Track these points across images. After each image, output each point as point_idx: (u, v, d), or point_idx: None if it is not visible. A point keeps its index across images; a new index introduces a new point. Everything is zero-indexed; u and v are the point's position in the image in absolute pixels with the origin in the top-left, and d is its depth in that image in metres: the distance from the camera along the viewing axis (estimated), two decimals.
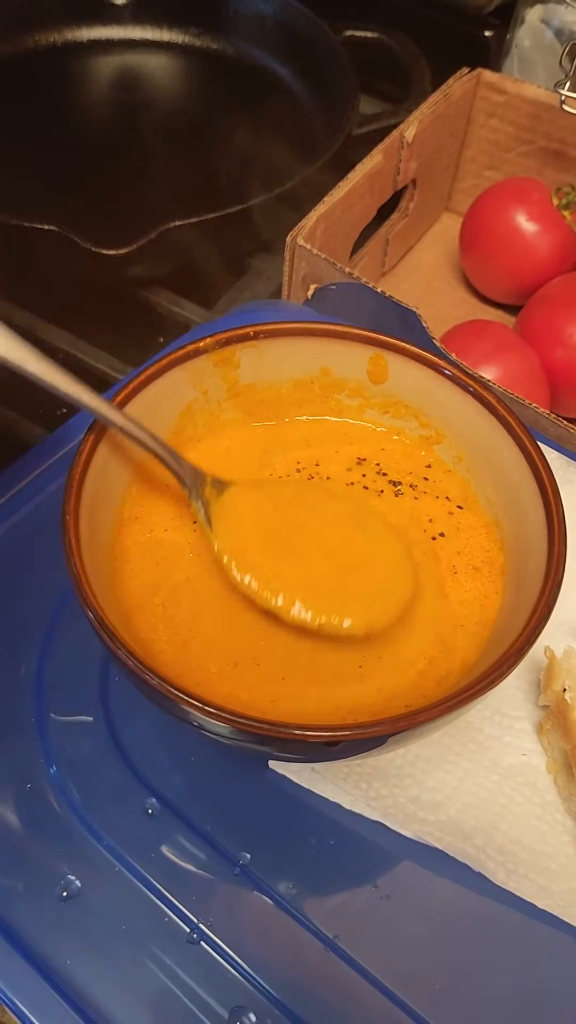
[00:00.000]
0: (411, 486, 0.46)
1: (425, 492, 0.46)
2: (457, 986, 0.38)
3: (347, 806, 0.42)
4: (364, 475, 0.46)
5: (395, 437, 0.48)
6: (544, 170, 0.77)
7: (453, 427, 0.46)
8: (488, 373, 0.61)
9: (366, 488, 0.46)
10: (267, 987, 0.37)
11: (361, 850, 0.41)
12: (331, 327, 0.46)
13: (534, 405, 0.55)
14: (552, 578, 0.38)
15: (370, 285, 0.58)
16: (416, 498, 0.46)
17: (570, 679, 0.43)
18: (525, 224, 0.72)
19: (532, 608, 0.38)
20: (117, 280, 0.66)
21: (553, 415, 0.55)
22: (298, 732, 0.33)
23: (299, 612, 0.39)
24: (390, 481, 0.46)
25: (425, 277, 0.80)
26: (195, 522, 0.43)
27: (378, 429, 0.48)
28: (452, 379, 0.45)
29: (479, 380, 0.44)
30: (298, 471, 0.46)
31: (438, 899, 0.40)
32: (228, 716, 0.33)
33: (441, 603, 0.42)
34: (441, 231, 0.84)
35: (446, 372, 0.45)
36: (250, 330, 0.45)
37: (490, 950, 0.39)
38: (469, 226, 0.75)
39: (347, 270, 0.59)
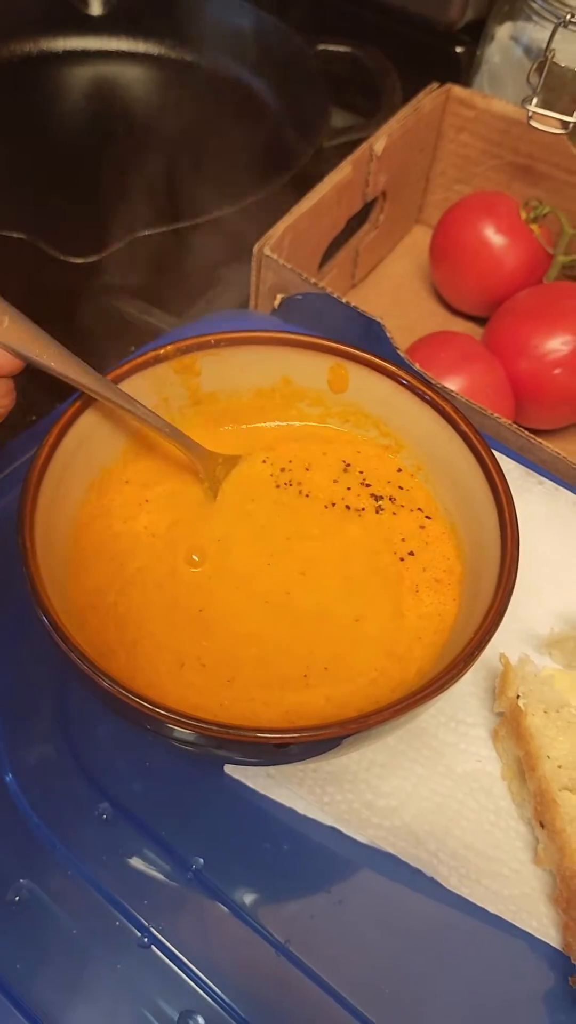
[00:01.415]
0: (391, 499, 0.47)
1: (402, 506, 0.46)
2: (408, 991, 0.39)
3: (301, 811, 0.42)
4: (349, 488, 0.47)
5: (358, 451, 0.48)
6: (513, 184, 0.78)
7: (412, 436, 0.46)
8: (453, 384, 0.62)
9: (348, 508, 0.46)
10: (217, 991, 0.37)
11: (315, 855, 0.41)
12: (292, 336, 0.46)
13: (496, 415, 0.56)
14: (504, 584, 0.38)
15: (335, 296, 0.58)
16: (395, 513, 0.46)
17: (524, 686, 0.43)
18: (493, 237, 0.73)
19: (484, 614, 0.38)
20: (86, 288, 0.66)
21: (515, 425, 0.55)
22: (248, 734, 0.33)
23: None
24: (372, 495, 0.47)
25: (395, 289, 0.81)
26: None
27: (342, 430, 0.49)
28: (410, 388, 0.45)
29: (437, 390, 0.45)
30: (283, 470, 0.47)
31: (391, 904, 0.41)
32: (180, 719, 0.33)
33: (396, 623, 0.42)
34: (412, 243, 0.85)
35: (404, 382, 0.45)
36: (211, 338, 0.45)
37: (441, 955, 0.40)
38: (438, 238, 0.76)
39: (312, 280, 0.59)
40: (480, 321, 0.78)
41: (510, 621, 0.47)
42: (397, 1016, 0.38)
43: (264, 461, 0.47)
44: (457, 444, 0.44)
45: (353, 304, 0.58)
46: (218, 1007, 0.37)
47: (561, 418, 0.69)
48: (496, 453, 0.50)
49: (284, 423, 0.49)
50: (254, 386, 0.47)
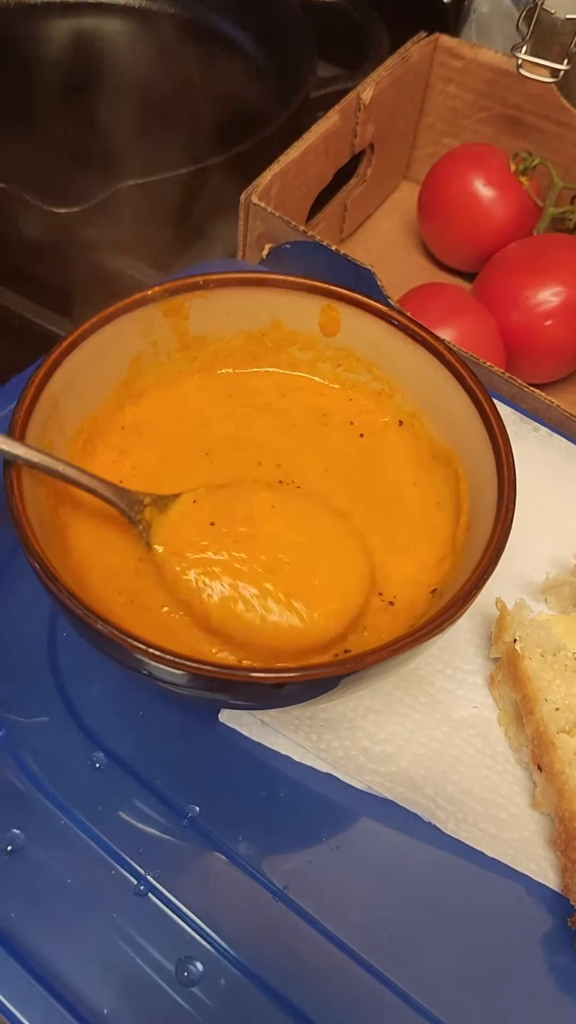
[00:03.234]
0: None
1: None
2: (407, 935, 0.38)
3: (298, 759, 0.42)
4: (352, 422, 0.46)
5: (350, 398, 0.47)
6: (502, 137, 0.77)
7: (405, 379, 0.46)
8: (444, 335, 0.60)
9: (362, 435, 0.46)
10: (215, 938, 0.37)
11: (311, 802, 0.41)
12: (282, 278, 0.45)
13: (488, 364, 0.55)
14: (501, 522, 0.38)
15: (324, 243, 0.57)
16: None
17: (520, 630, 0.43)
18: (482, 190, 0.72)
19: (480, 554, 0.37)
20: (70, 242, 0.65)
21: (507, 374, 0.55)
22: (244, 675, 0.33)
23: (251, 618, 0.38)
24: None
25: (383, 244, 0.80)
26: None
27: (332, 385, 0.48)
28: (403, 329, 0.44)
29: (430, 331, 0.44)
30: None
31: (388, 849, 0.40)
32: (178, 660, 0.32)
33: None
34: (400, 199, 0.83)
35: (397, 323, 0.44)
36: (199, 279, 0.44)
37: (440, 899, 0.39)
38: (427, 192, 0.75)
39: (301, 228, 0.58)
40: (469, 277, 0.77)
41: (505, 568, 0.46)
42: (396, 960, 0.37)
43: (195, 502, 0.41)
44: (451, 385, 0.43)
45: (343, 253, 0.57)
46: (216, 953, 0.36)
47: (552, 371, 0.68)
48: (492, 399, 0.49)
49: (274, 369, 0.47)
50: (244, 330, 0.46)
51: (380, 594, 0.41)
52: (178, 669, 0.33)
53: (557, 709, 0.41)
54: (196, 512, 0.40)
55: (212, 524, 0.39)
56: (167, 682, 0.34)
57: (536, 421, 0.53)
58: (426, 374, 0.44)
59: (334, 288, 0.45)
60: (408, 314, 0.45)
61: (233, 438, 0.45)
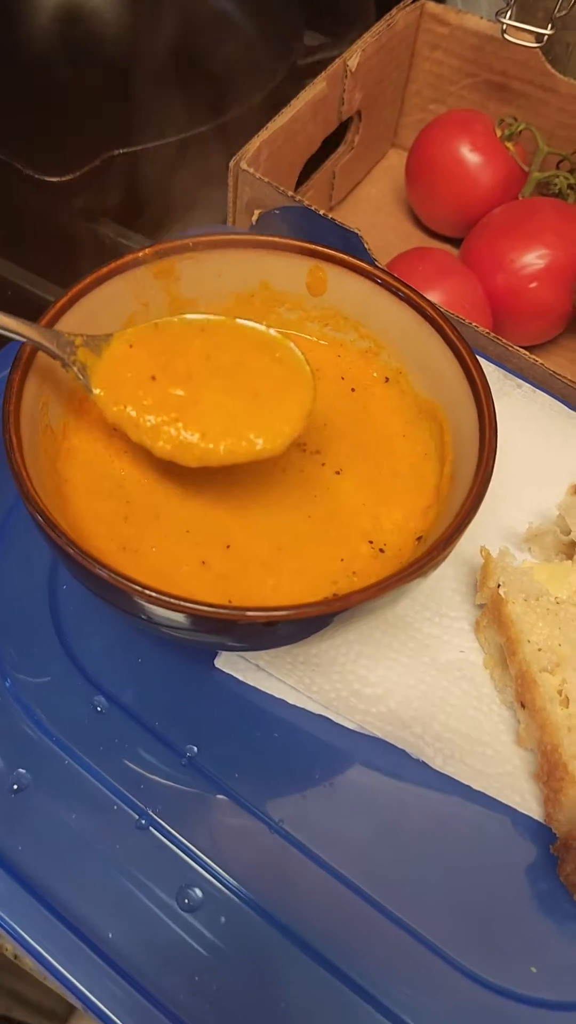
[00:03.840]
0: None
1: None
2: (398, 864, 0.40)
3: (292, 701, 0.43)
4: (343, 377, 0.48)
5: (339, 355, 0.49)
6: (488, 103, 0.78)
7: (391, 337, 0.47)
8: (431, 297, 0.61)
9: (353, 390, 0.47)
10: (213, 866, 0.39)
11: (305, 742, 0.43)
12: (270, 239, 0.46)
13: (473, 324, 0.56)
14: (482, 470, 0.39)
15: (313, 208, 0.58)
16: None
17: (504, 576, 0.44)
18: (469, 155, 0.73)
19: (462, 502, 0.39)
20: (62, 210, 0.66)
21: (492, 334, 0.56)
22: (237, 613, 0.34)
23: (203, 445, 0.40)
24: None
25: (372, 211, 0.81)
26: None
27: (321, 343, 0.49)
28: (388, 288, 0.46)
29: (414, 290, 0.45)
30: None
31: (379, 785, 0.42)
32: (174, 601, 0.34)
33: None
34: (388, 167, 0.84)
35: (382, 282, 0.46)
36: (189, 241, 0.45)
37: (429, 831, 0.41)
38: (414, 158, 0.76)
39: (290, 193, 0.59)
40: (457, 243, 0.78)
41: (490, 519, 0.49)
42: (387, 887, 0.39)
43: (131, 347, 0.42)
44: (435, 341, 0.45)
45: (331, 217, 0.58)
46: (215, 880, 0.38)
47: (539, 333, 0.69)
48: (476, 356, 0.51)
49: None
50: (233, 291, 0.47)
51: (371, 542, 0.42)
52: (174, 610, 0.34)
53: (539, 650, 0.42)
54: (135, 360, 0.42)
55: (153, 378, 0.41)
56: (163, 623, 0.36)
57: (520, 379, 0.54)
58: (411, 331, 0.46)
59: (321, 248, 0.46)
60: (393, 274, 0.46)
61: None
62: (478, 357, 0.45)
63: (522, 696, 0.42)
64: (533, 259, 0.66)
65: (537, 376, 0.56)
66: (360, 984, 0.37)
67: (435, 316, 0.45)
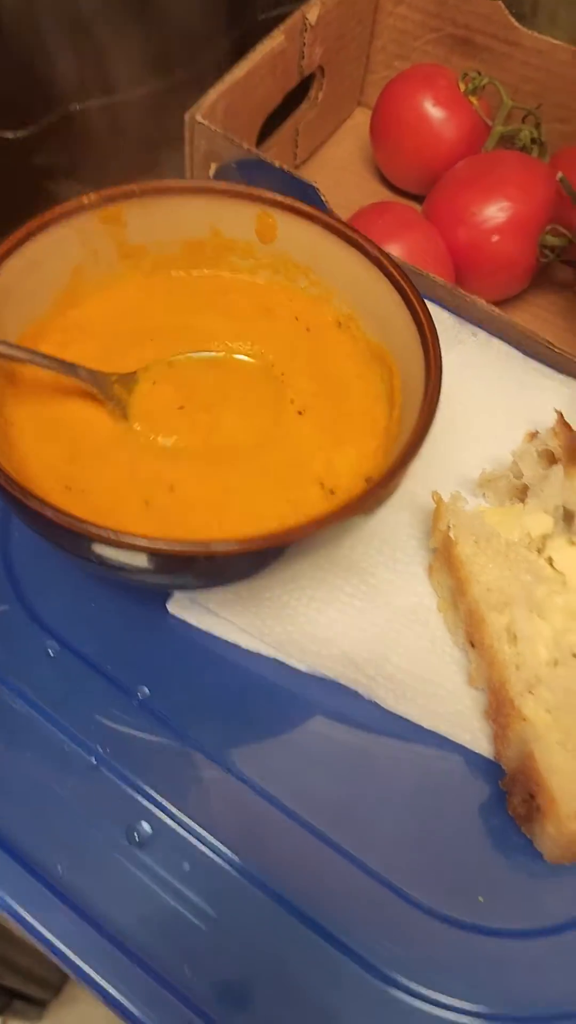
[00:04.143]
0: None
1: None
2: (351, 802, 0.40)
3: (245, 646, 0.44)
4: (297, 318, 0.48)
5: (291, 299, 0.49)
6: (452, 57, 0.77)
7: (340, 283, 0.47)
8: (392, 251, 0.61)
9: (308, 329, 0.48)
10: (163, 802, 0.39)
11: (258, 685, 0.43)
12: (218, 185, 0.46)
13: (430, 274, 0.56)
14: (427, 408, 0.39)
15: (268, 160, 0.58)
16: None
17: (455, 519, 0.45)
18: (432, 110, 0.72)
19: (408, 439, 0.39)
20: (19, 168, 0.65)
21: (449, 284, 0.56)
22: (181, 549, 0.34)
23: None
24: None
25: (338, 170, 0.80)
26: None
27: (272, 288, 0.49)
28: (336, 233, 0.45)
29: (362, 234, 0.45)
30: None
31: (330, 727, 0.42)
32: (118, 537, 0.34)
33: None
34: (354, 126, 0.84)
35: (330, 227, 0.45)
36: (135, 187, 0.45)
37: (381, 770, 0.42)
38: (378, 115, 0.75)
39: (245, 145, 0.59)
40: (423, 201, 0.78)
41: (444, 465, 0.49)
42: (339, 823, 0.40)
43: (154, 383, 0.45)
44: (384, 287, 0.44)
45: (288, 169, 0.58)
46: (165, 816, 0.39)
47: (502, 287, 0.69)
48: (430, 304, 0.50)
49: (215, 273, 0.49)
50: (183, 238, 0.47)
51: (322, 484, 0.42)
52: (118, 546, 0.34)
53: (489, 590, 0.43)
54: (161, 394, 0.44)
55: (181, 408, 0.43)
56: (109, 562, 0.36)
57: (477, 327, 0.54)
58: (360, 277, 0.46)
59: (268, 195, 0.46)
60: (342, 220, 0.46)
61: (178, 327, 0.46)
62: (433, 305, 0.45)
63: (471, 635, 0.43)
64: (495, 212, 0.65)
65: (496, 326, 0.56)
66: (309, 915, 0.37)
67: (383, 261, 0.44)
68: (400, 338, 0.44)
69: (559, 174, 0.66)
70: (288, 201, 0.46)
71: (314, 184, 0.57)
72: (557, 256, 0.68)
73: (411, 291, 0.43)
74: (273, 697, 0.43)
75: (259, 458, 0.43)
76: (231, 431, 0.43)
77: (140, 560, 0.35)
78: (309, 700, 0.43)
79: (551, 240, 0.67)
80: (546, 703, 0.40)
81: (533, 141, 0.73)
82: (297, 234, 0.46)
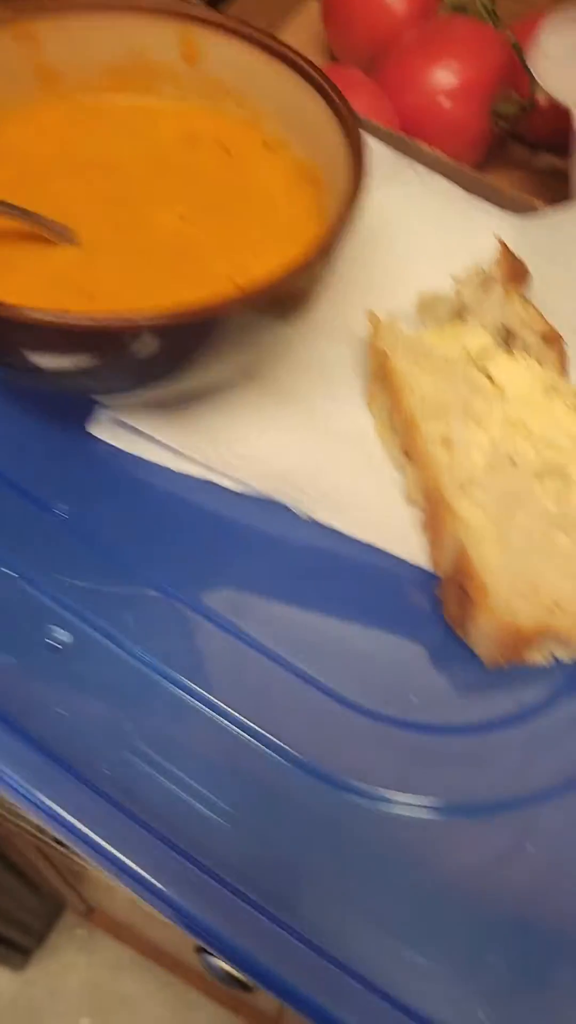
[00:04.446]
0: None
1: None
2: (284, 615, 0.39)
3: (175, 468, 0.42)
4: (221, 142, 0.46)
5: (217, 124, 0.47)
6: None
7: (270, 103, 0.45)
8: None
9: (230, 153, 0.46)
10: (82, 610, 0.38)
11: (187, 508, 0.42)
12: (137, 1, 0.44)
13: (372, 121, 0.54)
14: (350, 198, 0.38)
15: None
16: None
17: (391, 337, 0.43)
18: None
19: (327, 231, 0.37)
20: None
21: (391, 129, 0.54)
22: (97, 323, 0.32)
23: None
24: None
25: None
26: None
27: (199, 113, 0.47)
28: (262, 46, 0.44)
29: (289, 47, 0.44)
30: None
31: (264, 547, 0.41)
32: (42, 316, 0.32)
33: None
34: (307, 13, 0.82)
35: (255, 39, 0.44)
36: (48, 0, 0.43)
37: (317, 587, 0.40)
38: None
39: None
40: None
41: (383, 295, 0.47)
42: (276, 636, 0.38)
43: None
44: (314, 102, 0.43)
45: None
46: (83, 624, 0.37)
47: (452, 155, 0.67)
48: (372, 140, 0.49)
49: (140, 99, 0.47)
50: (104, 61, 0.46)
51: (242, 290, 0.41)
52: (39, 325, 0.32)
53: (424, 400, 0.41)
54: None
55: None
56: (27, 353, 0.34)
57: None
58: (289, 94, 0.44)
59: (192, 10, 0.44)
60: (273, 35, 0.44)
61: (98, 161, 0.44)
62: (374, 141, 0.43)
63: (406, 445, 0.41)
64: (444, 75, 0.63)
65: (441, 169, 0.54)
66: (253, 727, 0.36)
67: (313, 74, 0.43)
68: (331, 156, 0.42)
69: (511, 37, 0.65)
70: (212, 16, 0.44)
71: None
72: (511, 126, 0.67)
73: (341, 102, 0.42)
74: (203, 520, 0.41)
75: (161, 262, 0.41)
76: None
77: (59, 342, 0.33)
78: (241, 521, 0.41)
79: (504, 107, 0.65)
80: (481, 503, 0.38)
81: (487, 12, 0.71)
82: (222, 52, 0.45)
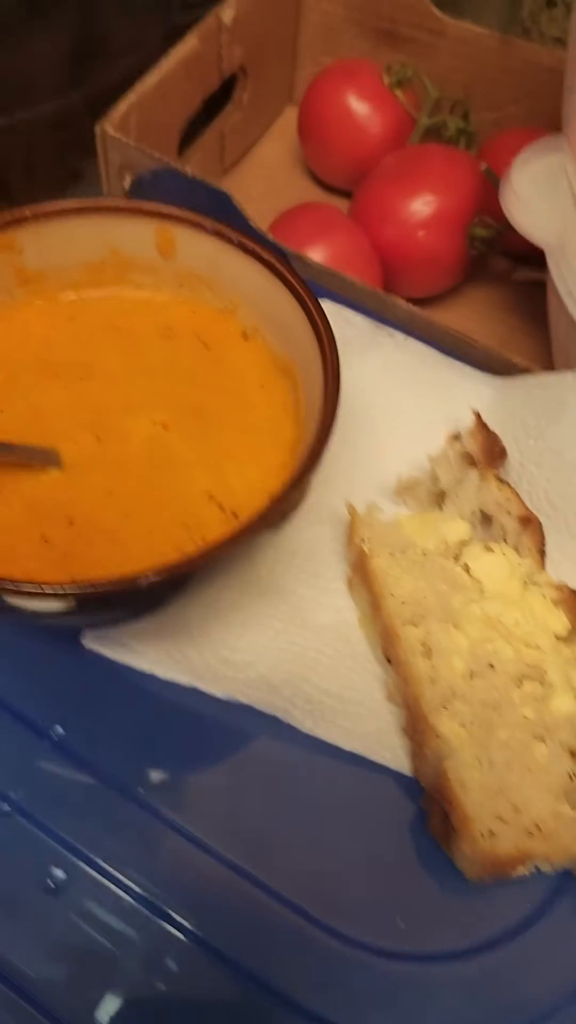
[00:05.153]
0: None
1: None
2: (270, 830, 0.40)
3: (162, 675, 0.43)
4: (198, 335, 0.47)
5: (194, 311, 0.48)
6: (378, 51, 0.76)
7: (244, 295, 0.46)
8: (316, 254, 0.61)
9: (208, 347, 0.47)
10: (81, 849, 0.38)
11: (176, 715, 0.42)
12: (111, 203, 0.45)
13: (347, 276, 0.55)
14: (326, 416, 0.38)
15: (179, 169, 0.57)
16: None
17: (369, 531, 0.44)
18: (356, 105, 0.71)
19: (309, 446, 0.38)
20: None
21: (367, 285, 0.55)
22: (64, 590, 0.33)
23: None
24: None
25: (269, 173, 0.79)
26: None
27: (177, 303, 0.48)
28: (235, 244, 0.44)
29: (262, 244, 0.44)
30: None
31: (250, 753, 0.42)
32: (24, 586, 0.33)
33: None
34: (286, 125, 0.82)
35: (227, 236, 0.44)
36: (26, 211, 0.44)
37: (302, 795, 0.41)
38: (304, 114, 0.74)
39: (157, 155, 0.58)
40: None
41: (363, 473, 0.48)
42: (257, 856, 0.39)
43: None
44: (286, 297, 0.43)
45: (222, 187, 0.56)
46: (79, 861, 0.38)
47: (432, 283, 0.68)
48: (346, 310, 0.50)
49: (118, 293, 0.48)
50: (83, 260, 0.46)
51: (221, 507, 0.41)
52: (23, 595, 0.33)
53: (403, 603, 0.42)
54: None
55: None
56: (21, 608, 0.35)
57: (394, 328, 0.53)
58: (261, 287, 0.45)
59: (165, 209, 0.45)
60: (242, 231, 0.45)
61: (78, 363, 0.45)
62: (349, 311, 0.44)
63: (387, 651, 0.42)
64: (420, 207, 0.64)
65: (417, 326, 0.55)
66: (225, 953, 0.37)
67: (282, 271, 0.43)
68: (303, 350, 0.43)
69: (483, 165, 0.66)
70: (184, 214, 0.45)
71: (226, 192, 0.56)
72: (488, 247, 0.67)
73: (310, 301, 0.42)
74: (192, 727, 0.42)
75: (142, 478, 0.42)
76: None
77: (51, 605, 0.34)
78: (228, 728, 0.42)
79: (479, 232, 0.66)
80: (461, 717, 0.39)
81: (461, 132, 0.72)
82: (197, 247, 0.46)
